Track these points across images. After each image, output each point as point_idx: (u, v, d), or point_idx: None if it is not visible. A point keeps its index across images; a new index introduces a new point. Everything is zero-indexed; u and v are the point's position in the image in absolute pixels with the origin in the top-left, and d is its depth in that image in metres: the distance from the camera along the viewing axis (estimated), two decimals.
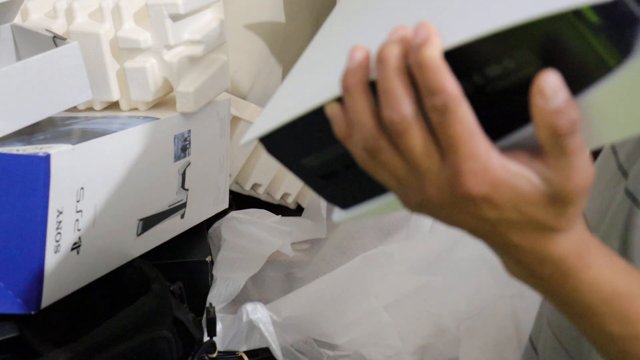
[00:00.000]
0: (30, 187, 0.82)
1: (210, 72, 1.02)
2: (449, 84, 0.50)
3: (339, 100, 0.56)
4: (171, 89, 1.02)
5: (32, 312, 0.84)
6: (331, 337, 0.99)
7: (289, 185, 1.22)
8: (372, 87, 0.54)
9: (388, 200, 0.61)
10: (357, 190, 0.63)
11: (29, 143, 0.87)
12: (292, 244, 1.14)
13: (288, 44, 1.33)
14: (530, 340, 0.86)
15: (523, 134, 0.53)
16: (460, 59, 0.51)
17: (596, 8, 0.48)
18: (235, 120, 1.16)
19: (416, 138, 0.52)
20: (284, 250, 1.11)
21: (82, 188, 0.86)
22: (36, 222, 0.83)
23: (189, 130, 1.02)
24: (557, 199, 0.52)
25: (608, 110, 0.51)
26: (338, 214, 0.65)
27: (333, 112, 0.56)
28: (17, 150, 0.83)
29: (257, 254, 1.08)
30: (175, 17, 0.97)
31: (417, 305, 1.00)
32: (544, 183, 0.52)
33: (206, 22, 1.02)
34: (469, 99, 0.51)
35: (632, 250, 0.71)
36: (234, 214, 1.13)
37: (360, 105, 0.54)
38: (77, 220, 0.87)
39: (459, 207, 0.53)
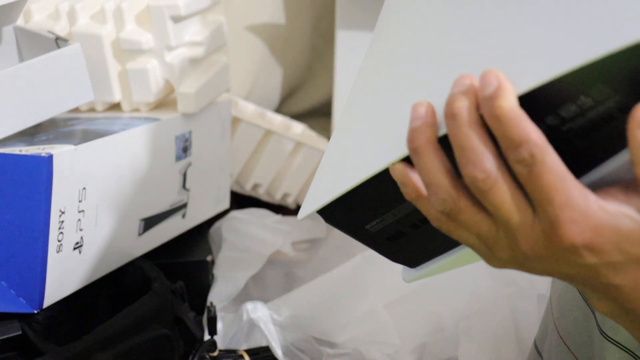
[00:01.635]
0: (33, 187, 0.83)
1: (211, 74, 1.03)
2: (533, 133, 0.47)
3: (402, 160, 0.52)
4: (172, 90, 1.02)
5: (35, 311, 0.84)
6: (331, 335, 0.99)
7: (289, 185, 1.23)
8: (441, 143, 0.50)
9: (461, 254, 0.57)
10: (426, 247, 0.60)
11: (32, 143, 0.87)
12: (292, 243, 1.14)
13: (288, 45, 1.34)
14: (535, 344, 0.85)
15: (606, 168, 0.50)
16: (533, 102, 0.48)
17: None
18: (235, 121, 1.16)
19: (504, 193, 0.49)
20: (284, 250, 1.12)
21: (84, 188, 0.87)
22: (39, 221, 0.83)
23: (190, 131, 1.02)
24: None
25: None
26: (407, 273, 0.61)
27: (401, 174, 0.52)
28: (20, 150, 0.84)
29: (257, 253, 1.08)
30: (177, 19, 0.98)
31: (416, 304, 1.00)
32: None
33: (207, 23, 1.02)
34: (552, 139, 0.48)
35: None
36: (234, 213, 1.14)
37: (434, 166, 0.50)
38: (79, 220, 0.87)
39: (556, 258, 0.50)
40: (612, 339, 0.69)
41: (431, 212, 0.52)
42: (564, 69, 0.46)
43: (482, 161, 0.48)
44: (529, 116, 0.47)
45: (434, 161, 0.50)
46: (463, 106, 0.48)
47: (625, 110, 0.47)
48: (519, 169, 0.48)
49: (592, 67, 0.46)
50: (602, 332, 0.70)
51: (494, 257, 0.52)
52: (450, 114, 0.49)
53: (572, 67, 0.46)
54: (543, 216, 0.49)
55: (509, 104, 0.47)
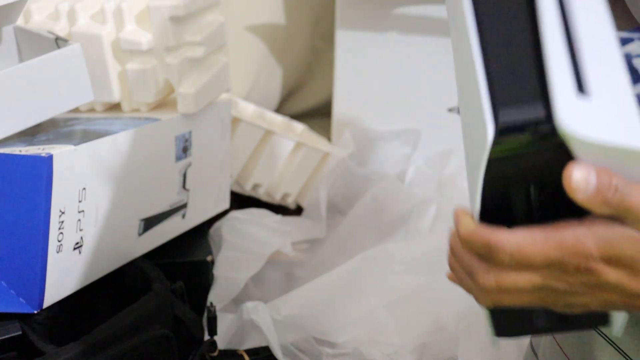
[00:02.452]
0: (33, 187, 0.83)
1: (211, 74, 1.03)
2: (492, 238, 0.56)
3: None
4: (172, 90, 1.02)
5: (35, 311, 0.84)
6: (331, 335, 0.99)
7: (289, 185, 1.23)
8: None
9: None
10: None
11: (32, 144, 0.87)
12: (292, 243, 1.14)
13: (288, 45, 1.34)
14: (531, 345, 0.85)
15: None
16: (496, 209, 0.56)
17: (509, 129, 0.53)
18: (235, 121, 1.16)
19: (512, 278, 0.56)
20: (284, 250, 1.12)
21: (84, 188, 0.87)
22: (39, 222, 0.83)
23: (190, 131, 1.02)
24: None
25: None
26: (611, 329, 0.64)
27: (451, 278, 0.62)
28: (20, 150, 0.84)
29: (257, 253, 1.08)
30: (176, 19, 0.98)
31: (416, 304, 1.00)
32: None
33: (207, 23, 1.02)
34: (530, 218, 0.56)
35: None
36: (234, 214, 1.14)
37: (466, 257, 0.59)
38: (79, 220, 0.87)
39: (588, 286, 0.56)
40: (606, 337, 0.70)
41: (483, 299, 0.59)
42: (479, 184, 0.55)
43: (480, 272, 0.57)
44: (503, 217, 0.56)
45: (465, 253, 0.59)
46: (453, 241, 0.60)
47: (556, 185, 0.54)
48: (504, 268, 0.56)
49: (492, 177, 0.54)
50: (597, 331, 0.71)
51: (558, 304, 0.58)
52: (450, 247, 0.61)
53: (481, 181, 0.55)
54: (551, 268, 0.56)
55: (464, 229, 0.57)
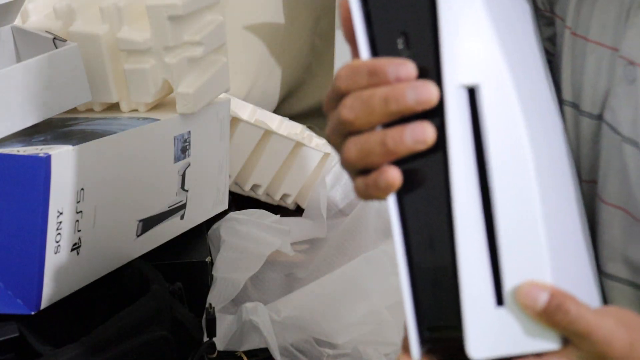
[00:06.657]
0: (31, 187, 0.83)
1: (210, 73, 1.03)
2: None
3: None
4: (171, 90, 1.02)
5: (32, 313, 0.84)
6: (331, 336, 0.99)
7: (288, 186, 1.22)
8: None
9: None
10: None
11: (29, 144, 0.87)
12: (292, 244, 1.14)
13: (288, 45, 1.34)
14: None
15: None
16: None
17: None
18: (234, 121, 1.16)
19: None
20: (283, 250, 1.11)
21: (82, 189, 0.87)
22: (36, 222, 0.83)
23: (189, 131, 1.02)
24: None
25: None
26: None
27: None
28: (18, 151, 0.84)
29: (256, 254, 1.08)
30: (175, 19, 0.97)
31: None
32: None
33: (206, 23, 1.02)
34: None
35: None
36: (233, 214, 1.13)
37: None
38: (77, 221, 0.87)
39: None
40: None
41: None
42: None
43: None
44: None
45: None
46: None
47: None
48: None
49: None
50: None
51: None
52: None
53: None
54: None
55: None
